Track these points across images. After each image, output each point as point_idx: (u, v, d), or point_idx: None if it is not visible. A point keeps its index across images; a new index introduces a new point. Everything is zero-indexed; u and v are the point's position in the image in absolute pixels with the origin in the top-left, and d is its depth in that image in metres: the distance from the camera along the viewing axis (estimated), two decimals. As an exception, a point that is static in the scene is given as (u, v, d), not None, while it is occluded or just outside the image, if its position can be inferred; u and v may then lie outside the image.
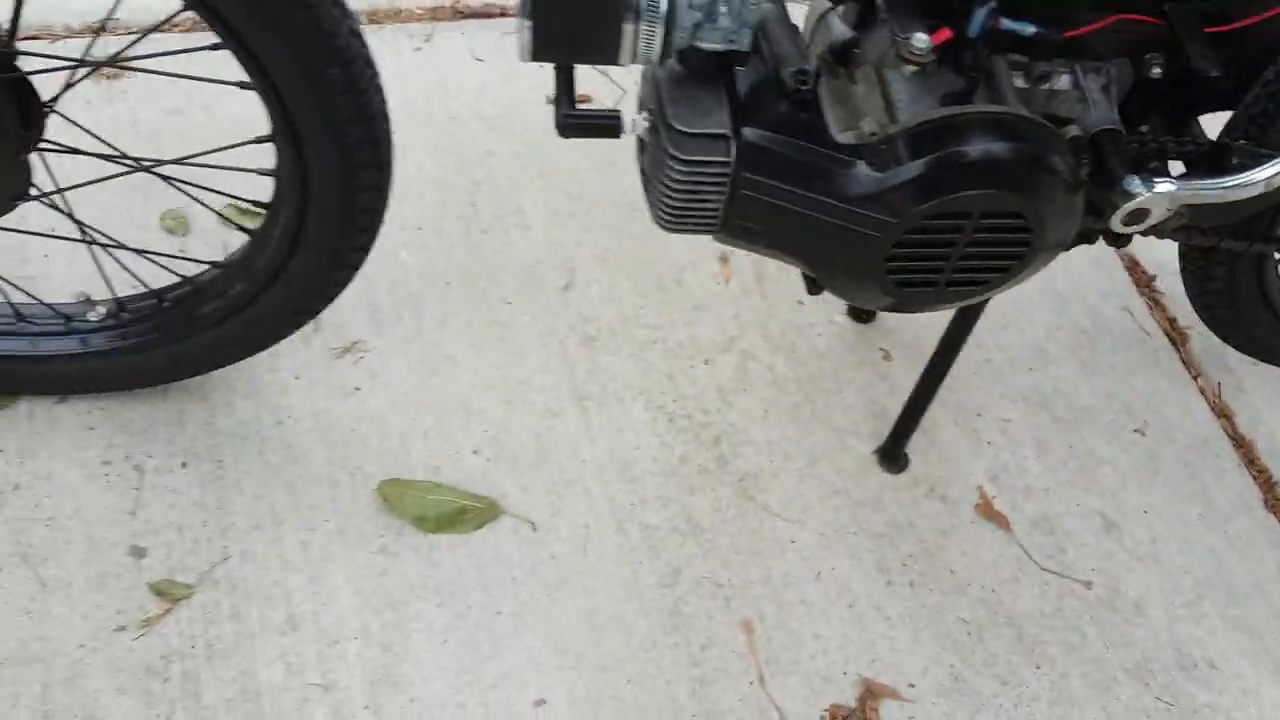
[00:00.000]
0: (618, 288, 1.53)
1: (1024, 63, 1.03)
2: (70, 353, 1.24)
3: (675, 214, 1.05)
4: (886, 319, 1.57)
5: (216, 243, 1.46)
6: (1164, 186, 0.98)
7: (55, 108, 1.04)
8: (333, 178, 1.03)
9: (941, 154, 0.97)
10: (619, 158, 1.66)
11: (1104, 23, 0.96)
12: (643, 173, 1.09)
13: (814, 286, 1.13)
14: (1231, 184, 0.99)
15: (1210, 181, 0.99)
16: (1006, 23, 0.96)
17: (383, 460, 1.33)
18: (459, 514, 1.31)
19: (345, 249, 1.12)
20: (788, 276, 1.59)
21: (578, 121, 1.04)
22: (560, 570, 1.30)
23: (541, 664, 1.23)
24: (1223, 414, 1.58)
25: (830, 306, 1.57)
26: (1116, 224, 1.00)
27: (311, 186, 1.04)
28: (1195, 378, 1.61)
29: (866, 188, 0.99)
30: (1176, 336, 1.64)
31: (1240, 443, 1.56)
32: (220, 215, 1.40)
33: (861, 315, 1.56)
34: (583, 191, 1.62)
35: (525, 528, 1.32)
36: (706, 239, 1.09)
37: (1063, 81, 1.04)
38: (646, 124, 1.05)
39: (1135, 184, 0.98)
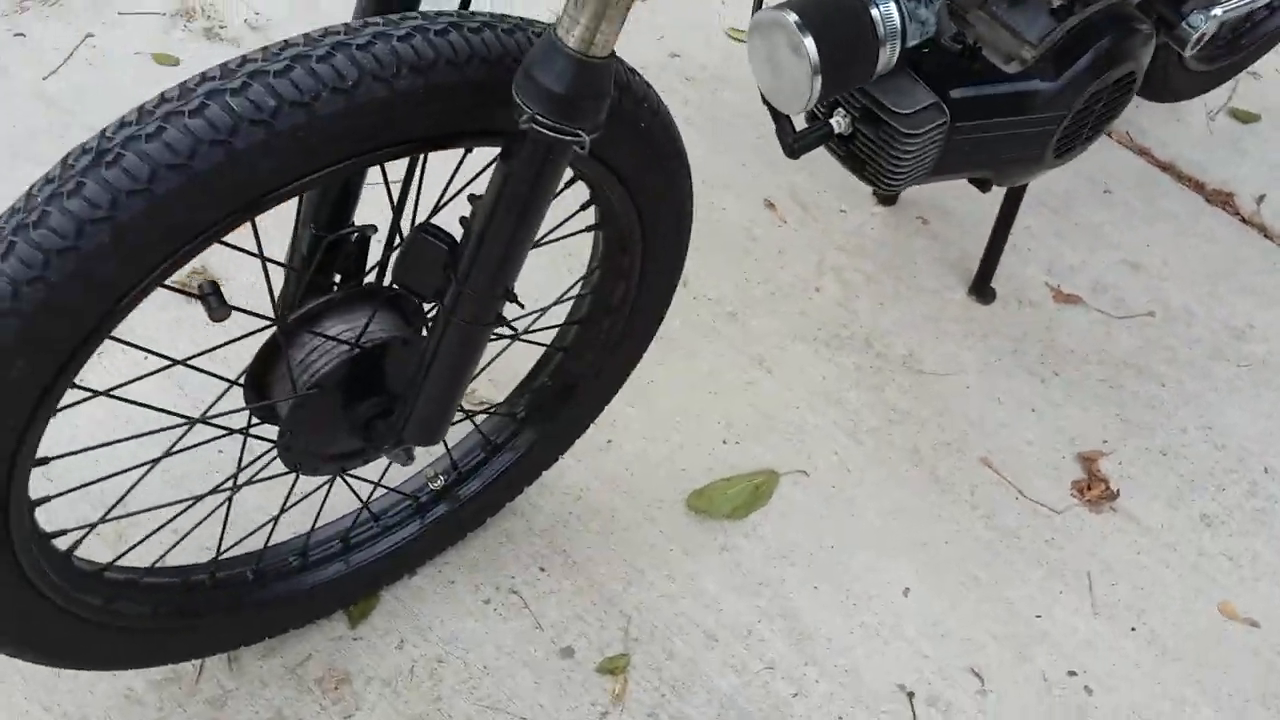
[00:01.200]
0: (717, 266, 1.76)
1: (1077, -35, 1.35)
2: (419, 530, 1.34)
3: (902, 176, 1.31)
4: (906, 194, 1.89)
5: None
6: (1217, 11, 1.34)
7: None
8: (659, 291, 1.23)
9: (1086, 52, 1.28)
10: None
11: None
12: (851, 158, 1.34)
13: (984, 186, 1.43)
14: (1264, -3, 1.37)
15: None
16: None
17: (670, 483, 1.53)
18: (754, 493, 1.54)
19: (648, 340, 1.31)
20: (821, 196, 1.87)
21: (804, 141, 1.28)
22: (844, 493, 1.56)
23: (884, 565, 1.50)
24: (1142, 152, 2.03)
25: (859, 202, 1.88)
26: (1190, 51, 1.36)
27: (638, 310, 1.22)
28: (1110, 135, 2.05)
29: (1044, 97, 1.29)
30: (1083, 111, 2.07)
31: (1165, 167, 2.02)
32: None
33: (888, 200, 1.87)
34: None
35: (800, 477, 1.57)
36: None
37: (1101, -33, 1.37)
38: (848, 120, 1.29)
39: (1199, 19, 1.34)
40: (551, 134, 0.82)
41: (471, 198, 0.95)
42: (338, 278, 1.08)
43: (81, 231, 0.75)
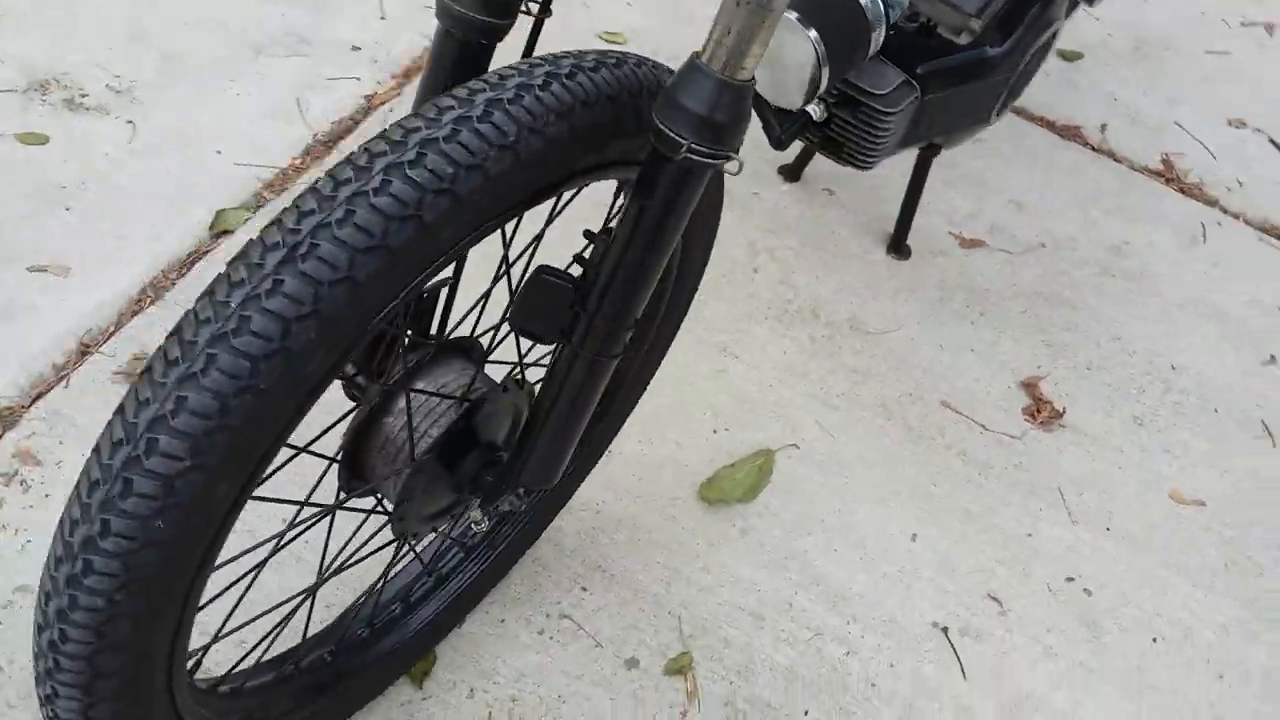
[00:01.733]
0: (660, 261, 1.79)
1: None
2: (469, 575, 1.32)
3: (879, 151, 1.39)
4: (810, 168, 1.97)
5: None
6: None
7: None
8: (690, 293, 1.26)
9: (1025, 17, 1.39)
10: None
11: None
12: (828, 141, 1.40)
13: (933, 150, 1.53)
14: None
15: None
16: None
17: (680, 479, 1.56)
18: (759, 473, 1.59)
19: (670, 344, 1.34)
20: (732, 182, 1.93)
21: (792, 133, 1.33)
22: (834, 458, 1.64)
23: (889, 517, 1.59)
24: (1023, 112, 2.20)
25: (769, 183, 1.95)
26: (1096, 6, 1.50)
27: (669, 317, 1.25)
28: (964, 86, 2.20)
29: (995, 62, 1.39)
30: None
31: (1017, 111, 2.19)
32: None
33: (793, 175, 1.95)
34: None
35: (792, 450, 1.63)
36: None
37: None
38: (822, 107, 1.36)
39: (1098, -26, 1.47)
40: (706, 159, 0.83)
41: (588, 233, 0.95)
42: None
43: (288, 331, 0.71)
